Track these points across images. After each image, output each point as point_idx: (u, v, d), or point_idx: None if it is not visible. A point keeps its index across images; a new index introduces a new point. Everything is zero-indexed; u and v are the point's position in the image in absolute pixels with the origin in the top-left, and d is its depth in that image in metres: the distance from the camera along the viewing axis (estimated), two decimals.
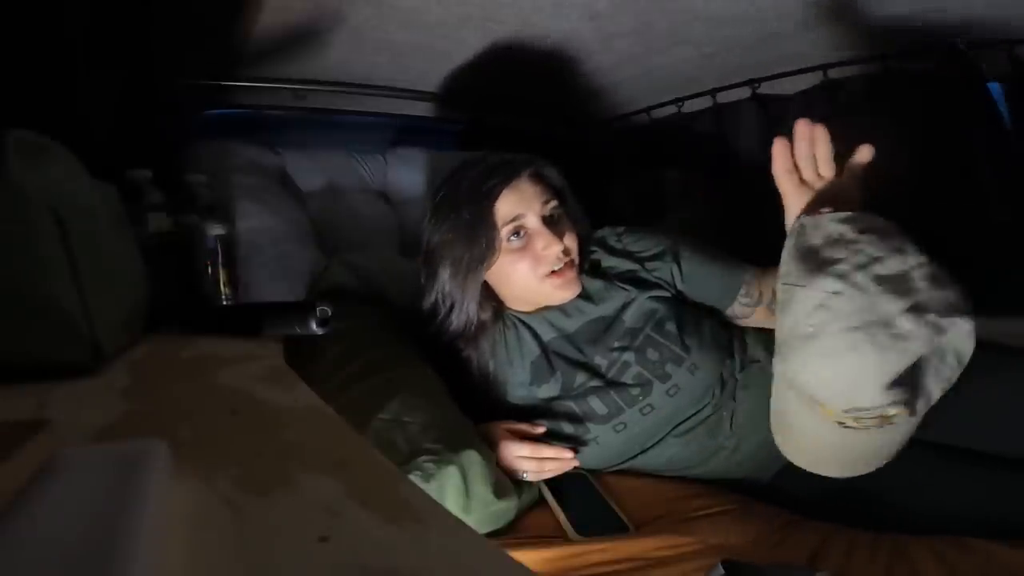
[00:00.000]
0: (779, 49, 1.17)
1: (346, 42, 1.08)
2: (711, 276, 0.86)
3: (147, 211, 0.74)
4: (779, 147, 0.62)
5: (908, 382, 0.53)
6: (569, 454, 0.77)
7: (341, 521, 0.23)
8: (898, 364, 0.51)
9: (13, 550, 0.17)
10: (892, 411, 0.54)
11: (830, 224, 0.56)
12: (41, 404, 0.36)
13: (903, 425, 0.57)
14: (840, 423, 0.56)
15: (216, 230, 0.81)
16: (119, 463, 0.23)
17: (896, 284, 0.52)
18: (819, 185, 0.62)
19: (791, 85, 1.28)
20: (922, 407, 0.54)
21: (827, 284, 0.53)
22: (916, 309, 0.51)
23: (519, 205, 0.81)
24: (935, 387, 0.54)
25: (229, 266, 0.83)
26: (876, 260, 0.53)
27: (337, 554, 0.21)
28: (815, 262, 0.55)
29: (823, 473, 0.67)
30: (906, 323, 0.51)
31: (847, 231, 0.55)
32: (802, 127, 0.61)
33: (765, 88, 1.32)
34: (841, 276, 0.52)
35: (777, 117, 1.32)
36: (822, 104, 1.24)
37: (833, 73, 1.20)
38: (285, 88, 1.22)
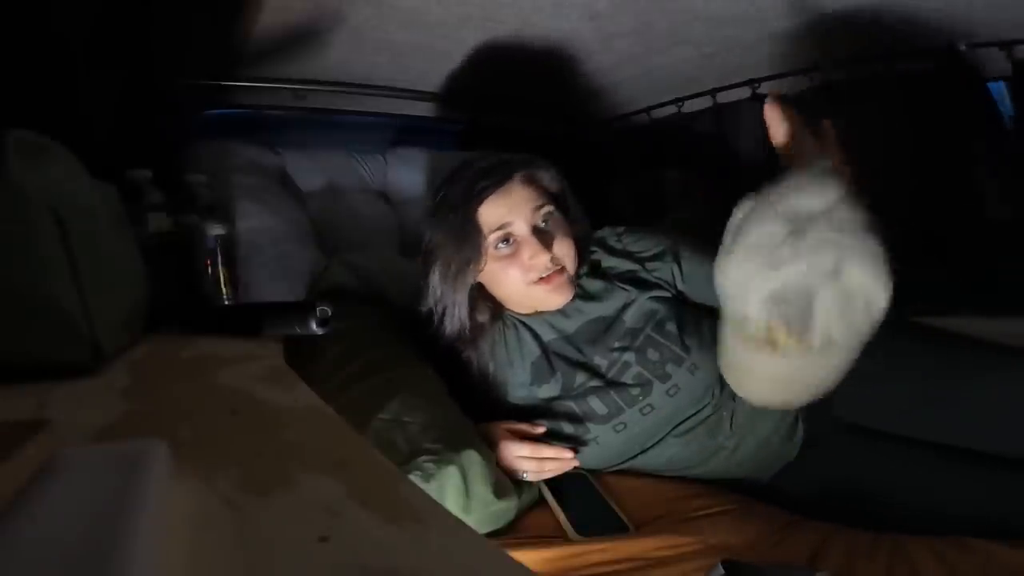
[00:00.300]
0: (779, 49, 1.17)
1: (346, 42, 1.08)
2: (711, 275, 0.86)
3: (147, 211, 0.74)
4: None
5: (793, 307, 0.57)
6: (569, 454, 0.77)
7: (341, 521, 0.23)
8: (775, 281, 0.56)
9: (13, 550, 0.17)
10: (776, 331, 0.58)
11: (792, 166, 0.60)
12: (41, 404, 0.36)
13: (806, 356, 0.59)
14: (743, 338, 0.61)
15: (216, 230, 0.81)
16: (119, 463, 0.23)
17: (798, 218, 0.56)
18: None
19: (791, 85, 1.28)
20: (817, 341, 0.57)
21: (746, 206, 0.59)
22: (800, 239, 0.55)
23: (508, 212, 0.80)
24: (834, 325, 0.57)
25: (229, 266, 0.83)
26: (793, 195, 0.57)
27: (337, 554, 0.21)
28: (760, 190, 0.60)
29: (758, 403, 0.70)
30: (787, 249, 0.55)
31: (794, 170, 0.59)
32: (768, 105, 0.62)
33: (765, 88, 1.32)
34: (756, 200, 0.58)
35: None
36: (821, 104, 1.24)
37: (833, 73, 1.20)
38: (285, 88, 1.22)
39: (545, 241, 0.80)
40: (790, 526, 0.69)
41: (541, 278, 0.81)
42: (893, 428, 0.78)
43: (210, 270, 0.81)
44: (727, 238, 0.61)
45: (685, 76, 1.35)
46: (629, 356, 0.81)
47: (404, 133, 1.46)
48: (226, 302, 0.83)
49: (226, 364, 0.46)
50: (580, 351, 0.84)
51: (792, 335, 0.58)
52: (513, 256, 0.81)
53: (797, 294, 0.56)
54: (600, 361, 0.83)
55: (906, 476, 0.73)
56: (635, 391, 0.79)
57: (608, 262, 0.89)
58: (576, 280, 0.86)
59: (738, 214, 0.61)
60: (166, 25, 0.90)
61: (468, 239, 0.80)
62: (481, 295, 0.85)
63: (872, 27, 1.05)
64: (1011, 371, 0.72)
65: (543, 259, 0.80)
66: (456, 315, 0.83)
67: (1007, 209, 1.05)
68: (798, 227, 0.55)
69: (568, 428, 0.80)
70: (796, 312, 0.57)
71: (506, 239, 0.81)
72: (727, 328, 0.64)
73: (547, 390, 0.83)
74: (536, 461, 0.75)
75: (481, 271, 0.82)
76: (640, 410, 0.79)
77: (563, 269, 0.83)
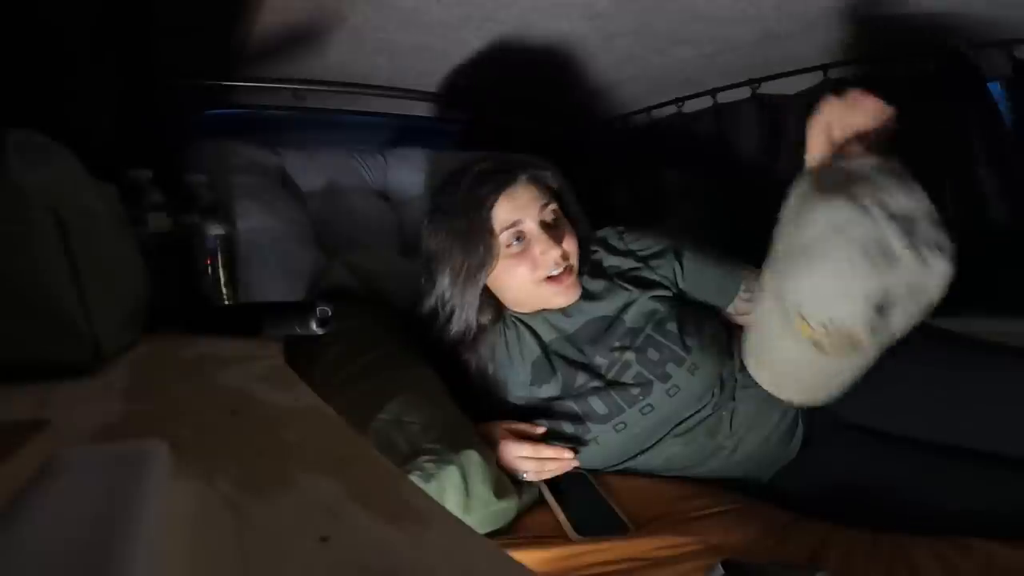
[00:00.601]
0: (779, 49, 1.17)
1: (346, 42, 1.08)
2: (712, 274, 0.87)
3: (147, 211, 0.74)
4: (833, 100, 0.65)
5: (883, 309, 0.58)
6: (569, 454, 0.77)
7: (341, 521, 0.23)
8: (882, 282, 0.56)
9: (13, 550, 0.17)
10: (862, 333, 0.58)
11: (854, 162, 0.61)
12: (41, 404, 0.36)
13: (860, 357, 0.62)
14: (813, 341, 0.61)
15: (216, 230, 0.81)
16: (119, 463, 0.23)
17: (902, 218, 0.56)
18: (846, 148, 0.66)
19: (791, 85, 1.28)
20: (883, 342, 0.60)
21: (842, 204, 0.58)
22: (912, 239, 0.56)
23: (516, 211, 0.80)
24: (899, 324, 0.59)
25: (229, 266, 0.83)
26: (890, 195, 0.57)
27: (337, 554, 0.21)
28: (835, 187, 0.59)
29: (781, 395, 0.73)
30: (901, 247, 0.56)
31: (869, 170, 0.60)
32: (858, 94, 0.64)
33: (765, 88, 1.32)
34: (856, 201, 0.57)
35: (777, 117, 1.32)
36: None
37: (833, 73, 1.20)
38: (285, 88, 1.22)
39: (555, 237, 0.81)
40: (790, 526, 0.69)
41: (551, 277, 0.81)
42: (893, 428, 0.78)
43: (210, 270, 0.81)
44: (790, 236, 0.62)
45: (685, 76, 1.35)
46: (629, 356, 0.81)
47: (404, 133, 1.46)
48: (226, 302, 0.83)
49: (226, 364, 0.46)
50: (580, 351, 0.84)
51: (875, 336, 0.59)
52: (523, 253, 0.81)
53: (894, 297, 0.57)
54: (600, 361, 0.83)
55: (906, 476, 0.72)
56: (635, 391, 0.79)
57: (609, 261, 0.89)
58: (580, 274, 0.86)
59: (810, 212, 0.60)
60: (166, 25, 0.90)
61: (479, 242, 0.80)
62: (485, 296, 0.85)
63: (872, 27, 1.05)
64: (1011, 371, 0.72)
65: (554, 253, 0.80)
66: (463, 316, 0.83)
67: (1007, 209, 1.05)
68: (905, 228, 0.56)
69: (568, 428, 0.80)
70: (881, 315, 0.58)
71: (517, 237, 0.81)
72: (778, 328, 0.65)
73: (547, 390, 0.83)
74: (536, 461, 0.75)
75: (491, 271, 0.82)
76: (640, 410, 0.79)
77: (571, 268, 0.83)
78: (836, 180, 0.60)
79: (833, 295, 0.59)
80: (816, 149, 0.67)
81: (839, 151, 0.66)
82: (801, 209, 0.62)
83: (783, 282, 0.63)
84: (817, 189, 0.61)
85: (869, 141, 0.65)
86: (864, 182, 0.58)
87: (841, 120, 0.65)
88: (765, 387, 0.76)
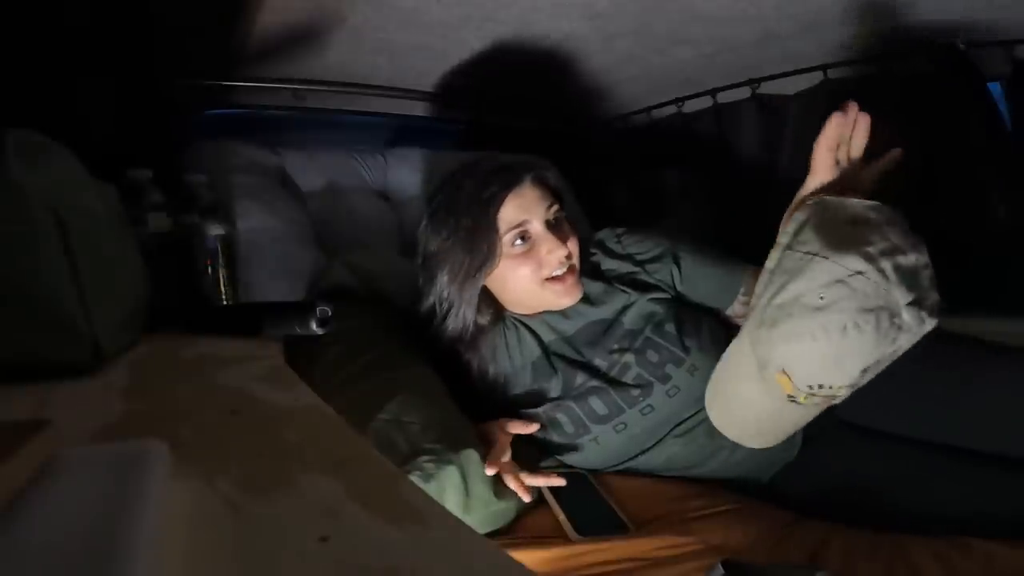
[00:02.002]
0: (779, 49, 1.17)
1: (346, 42, 1.08)
2: (711, 275, 0.86)
3: (147, 211, 0.74)
4: (837, 120, 0.64)
5: (867, 371, 0.56)
6: (559, 481, 0.72)
7: (341, 521, 0.23)
8: (886, 350, 0.54)
9: (13, 550, 0.17)
10: (844, 392, 0.56)
11: (857, 206, 0.59)
12: (41, 404, 0.36)
13: (825, 408, 0.61)
14: (791, 397, 0.58)
15: (216, 230, 0.81)
16: (119, 463, 0.23)
17: (909, 278, 0.53)
18: (844, 168, 0.66)
19: (791, 85, 1.28)
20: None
21: (853, 262, 0.53)
22: (918, 305, 0.53)
23: (523, 211, 0.80)
24: (870, 378, 0.57)
25: (229, 266, 0.83)
26: (899, 251, 0.54)
27: (337, 554, 0.21)
28: (842, 237, 0.55)
29: (745, 444, 0.71)
30: (908, 316, 0.53)
31: (873, 216, 0.57)
32: (854, 110, 0.64)
33: (765, 88, 1.32)
34: (868, 258, 0.53)
35: (777, 117, 1.32)
36: (822, 104, 1.23)
37: (833, 73, 1.20)
38: (285, 88, 1.22)
39: (561, 237, 0.81)
40: (790, 526, 0.69)
41: (554, 277, 0.81)
42: (893, 428, 0.78)
43: (210, 270, 0.81)
44: (788, 282, 0.57)
45: (685, 76, 1.35)
46: (629, 358, 0.81)
47: (404, 133, 1.46)
48: (226, 302, 0.83)
49: (226, 364, 0.46)
50: (579, 352, 0.84)
51: (851, 392, 0.57)
52: (527, 253, 0.81)
53: (883, 361, 0.55)
54: (600, 362, 0.83)
55: (906, 476, 0.72)
56: (635, 392, 0.79)
57: (607, 264, 0.89)
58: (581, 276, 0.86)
59: (815, 264, 0.55)
60: (166, 25, 0.90)
61: (482, 241, 0.80)
62: (484, 297, 0.85)
63: (872, 27, 1.05)
64: (1011, 371, 0.72)
65: (560, 253, 0.80)
66: (461, 315, 0.83)
67: (1007, 209, 1.05)
68: (910, 287, 0.53)
69: (569, 428, 0.80)
70: (864, 374, 0.56)
71: (522, 237, 0.81)
72: (749, 372, 0.62)
73: (548, 390, 0.83)
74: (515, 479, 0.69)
75: (494, 271, 0.82)
76: (640, 411, 0.79)
77: (574, 268, 0.83)
78: (842, 225, 0.57)
79: (832, 365, 0.55)
80: (821, 170, 0.66)
81: (836, 182, 0.65)
82: (798, 259, 0.58)
83: (775, 341, 0.58)
84: (820, 232, 0.57)
85: (873, 166, 0.65)
86: (872, 231, 0.56)
87: (846, 139, 0.65)
88: (712, 422, 0.73)
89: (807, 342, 0.56)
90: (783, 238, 0.62)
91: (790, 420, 0.66)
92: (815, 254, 0.56)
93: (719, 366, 0.72)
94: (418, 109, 1.42)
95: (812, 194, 0.66)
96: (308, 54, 1.10)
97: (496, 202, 0.80)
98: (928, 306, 0.54)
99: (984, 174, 1.06)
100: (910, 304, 0.53)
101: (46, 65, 0.72)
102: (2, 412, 0.35)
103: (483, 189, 0.81)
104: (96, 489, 0.21)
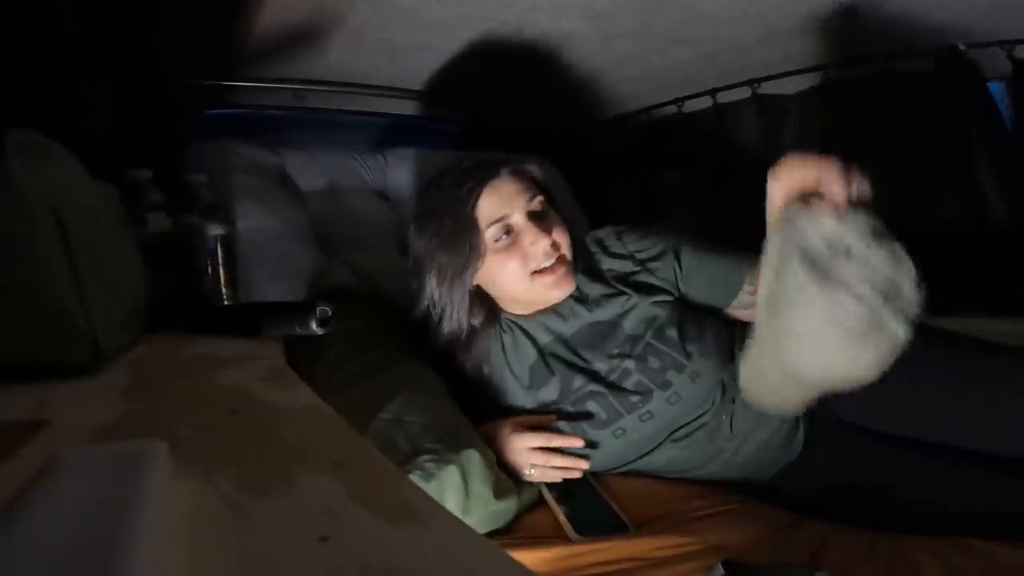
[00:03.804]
0: (779, 49, 1.17)
1: (346, 42, 1.08)
2: (713, 272, 0.85)
3: (147, 211, 0.74)
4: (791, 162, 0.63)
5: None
6: (584, 464, 0.76)
7: (341, 521, 0.23)
8: (886, 356, 0.58)
9: (13, 550, 0.17)
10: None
11: (827, 223, 0.59)
12: (41, 404, 0.36)
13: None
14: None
15: (216, 230, 0.81)
16: (119, 463, 0.23)
17: (894, 294, 0.57)
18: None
19: (791, 85, 1.28)
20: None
21: (837, 296, 0.57)
22: (906, 315, 0.57)
23: (502, 205, 0.80)
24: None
25: (229, 266, 0.83)
26: (877, 271, 0.57)
27: (337, 554, 0.21)
28: (822, 271, 0.58)
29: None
30: (902, 331, 0.57)
31: (847, 235, 0.58)
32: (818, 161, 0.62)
33: (765, 88, 1.32)
34: (849, 289, 0.57)
35: (777, 117, 1.32)
36: (822, 104, 1.24)
37: (833, 73, 1.20)
38: (285, 88, 1.22)
39: (544, 227, 0.80)
40: (790, 526, 0.69)
41: (543, 269, 0.80)
42: (893, 428, 0.78)
43: (210, 270, 0.81)
44: (780, 313, 0.62)
45: (685, 76, 1.35)
46: (629, 363, 0.81)
47: (404, 133, 1.46)
48: (226, 302, 0.83)
49: (226, 364, 0.46)
50: (578, 355, 0.84)
51: None
52: (512, 247, 0.80)
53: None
54: (600, 366, 0.82)
55: (906, 476, 0.72)
56: (635, 398, 0.79)
57: (607, 264, 0.89)
58: (575, 271, 0.85)
59: (802, 300, 0.60)
60: (166, 25, 0.90)
61: (465, 239, 0.80)
62: (478, 296, 0.84)
63: (872, 27, 1.05)
64: (1011, 371, 0.72)
65: (544, 243, 0.79)
66: (454, 316, 0.83)
67: (1007, 209, 1.05)
68: (891, 298, 0.57)
69: (567, 431, 0.80)
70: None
71: (506, 231, 0.80)
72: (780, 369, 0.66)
73: (545, 394, 0.83)
74: (544, 455, 0.75)
75: (479, 270, 0.82)
76: (639, 417, 0.79)
77: (563, 259, 0.82)
78: (814, 251, 0.59)
79: (835, 374, 0.62)
80: (778, 192, 0.63)
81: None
82: (788, 285, 0.61)
83: (781, 359, 0.65)
84: (802, 263, 0.59)
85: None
86: (843, 255, 0.58)
87: (803, 181, 0.62)
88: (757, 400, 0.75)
89: (806, 361, 0.63)
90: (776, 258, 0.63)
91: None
92: (800, 284, 0.60)
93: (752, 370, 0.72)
94: (418, 109, 1.42)
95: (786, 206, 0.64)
96: (308, 54, 1.10)
97: (473, 197, 0.79)
98: (915, 310, 0.57)
99: (984, 174, 1.06)
100: (902, 320, 0.57)
101: (46, 65, 0.72)
102: (2, 412, 0.35)
103: (460, 187, 0.80)
104: (96, 489, 0.21)
